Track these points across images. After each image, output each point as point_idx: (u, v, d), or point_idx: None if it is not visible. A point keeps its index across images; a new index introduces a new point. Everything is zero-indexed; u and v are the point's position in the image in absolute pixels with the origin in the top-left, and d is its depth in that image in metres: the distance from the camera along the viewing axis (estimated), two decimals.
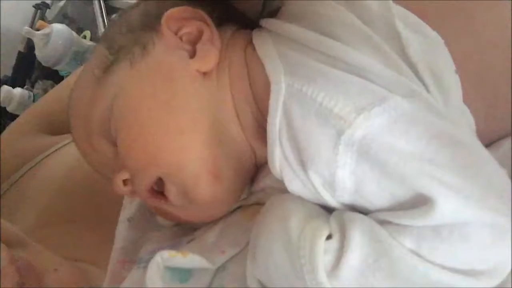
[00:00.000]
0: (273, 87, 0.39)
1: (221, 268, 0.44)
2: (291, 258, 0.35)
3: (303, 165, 0.36)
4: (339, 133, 0.34)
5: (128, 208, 0.54)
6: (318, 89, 0.36)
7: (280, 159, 0.38)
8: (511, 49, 0.39)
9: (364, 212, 0.35)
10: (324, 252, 0.33)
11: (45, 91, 1.55)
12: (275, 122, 0.38)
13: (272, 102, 0.38)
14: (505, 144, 0.42)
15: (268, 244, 0.36)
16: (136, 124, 0.44)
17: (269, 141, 0.39)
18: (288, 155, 0.37)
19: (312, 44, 0.40)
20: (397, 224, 0.33)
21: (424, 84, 0.38)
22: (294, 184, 0.38)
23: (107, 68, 0.46)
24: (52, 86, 1.55)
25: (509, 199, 0.32)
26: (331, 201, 0.36)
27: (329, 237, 0.34)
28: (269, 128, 0.38)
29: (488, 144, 0.42)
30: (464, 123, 0.40)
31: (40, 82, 1.62)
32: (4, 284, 0.47)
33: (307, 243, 0.34)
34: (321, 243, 0.34)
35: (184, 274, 0.44)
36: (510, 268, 0.32)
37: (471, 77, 0.40)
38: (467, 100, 0.40)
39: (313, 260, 0.33)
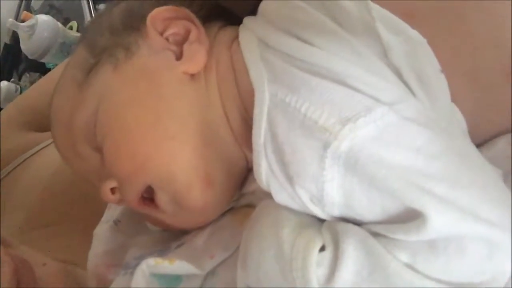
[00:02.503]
0: (257, 96, 0.37)
1: (211, 274, 0.43)
2: (283, 270, 0.34)
3: (289, 179, 0.35)
4: (325, 146, 0.33)
5: (114, 209, 0.53)
6: (302, 99, 0.35)
7: (266, 171, 0.37)
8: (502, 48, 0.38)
9: (357, 224, 0.34)
10: (317, 264, 0.32)
11: (33, 84, 1.53)
12: (260, 133, 0.36)
13: (256, 112, 0.37)
14: (499, 142, 0.41)
15: (259, 253, 0.35)
16: (123, 131, 0.42)
17: (254, 153, 0.37)
18: (274, 169, 0.36)
19: (293, 52, 0.37)
20: (392, 238, 0.32)
21: (409, 88, 0.37)
22: (281, 197, 0.36)
23: (89, 72, 0.44)
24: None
25: (504, 208, 0.31)
26: (321, 215, 0.35)
27: (322, 248, 0.33)
28: (254, 139, 0.37)
29: (481, 143, 0.41)
30: (454, 125, 0.39)
31: (28, 75, 1.60)
32: (3, 271, 0.46)
33: (300, 255, 0.33)
34: (314, 255, 0.32)
35: (173, 279, 0.43)
36: (508, 277, 0.31)
37: (461, 76, 0.38)
38: (458, 99, 0.39)
39: (306, 273, 0.32)
